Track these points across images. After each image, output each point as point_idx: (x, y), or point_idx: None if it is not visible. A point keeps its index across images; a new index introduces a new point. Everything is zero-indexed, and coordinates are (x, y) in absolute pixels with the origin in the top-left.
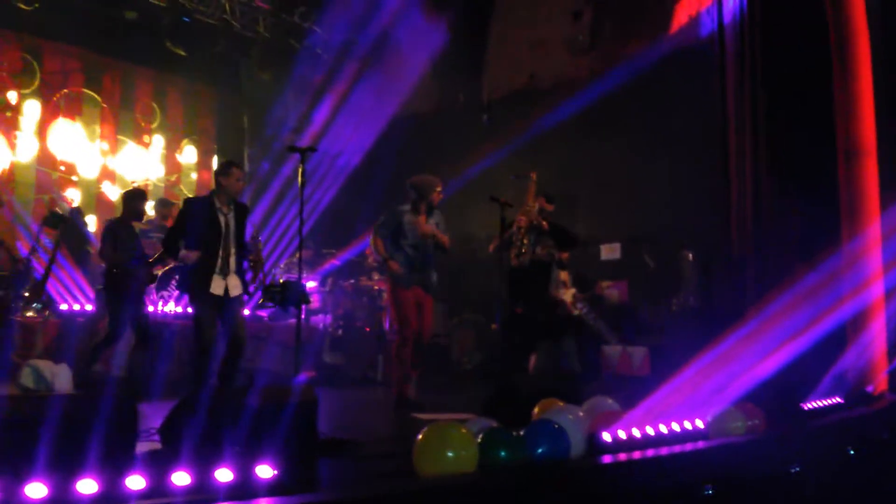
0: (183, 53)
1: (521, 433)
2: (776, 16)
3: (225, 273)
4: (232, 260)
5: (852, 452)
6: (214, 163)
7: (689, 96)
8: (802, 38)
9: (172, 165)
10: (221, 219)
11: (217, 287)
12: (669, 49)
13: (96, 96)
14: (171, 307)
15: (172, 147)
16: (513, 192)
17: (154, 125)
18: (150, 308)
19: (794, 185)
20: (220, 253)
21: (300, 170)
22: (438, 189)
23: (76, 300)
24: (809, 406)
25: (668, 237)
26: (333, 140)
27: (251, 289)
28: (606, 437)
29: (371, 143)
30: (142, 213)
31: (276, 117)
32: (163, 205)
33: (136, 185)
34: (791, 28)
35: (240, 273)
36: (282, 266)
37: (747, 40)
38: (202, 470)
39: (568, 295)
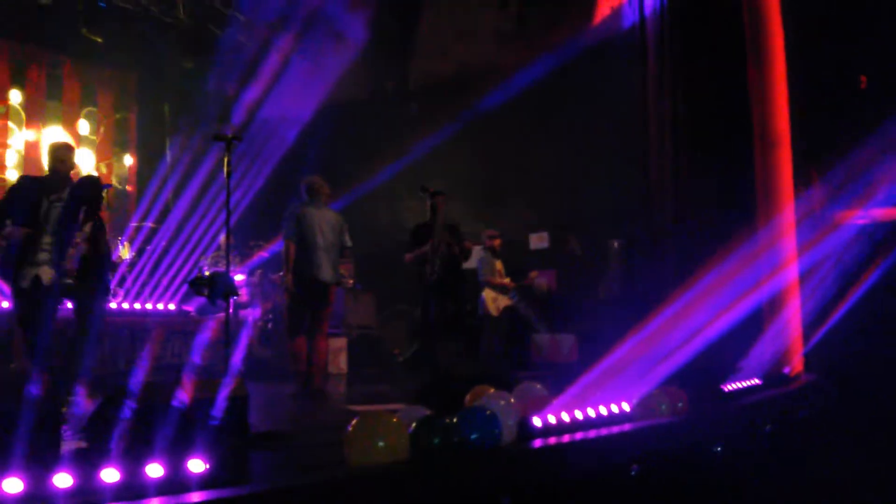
0: (100, 40)
1: (454, 420)
2: (694, 9)
3: (33, 264)
4: (45, 251)
5: (769, 430)
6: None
7: (614, 86)
8: (720, 30)
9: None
10: (44, 204)
11: (23, 280)
12: (594, 40)
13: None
14: None
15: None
16: (441, 180)
17: (81, 113)
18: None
19: (712, 172)
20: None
21: (226, 159)
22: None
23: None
24: (730, 388)
25: (595, 225)
26: (260, 128)
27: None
28: (537, 421)
29: (299, 132)
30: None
31: (199, 105)
32: None
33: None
34: (709, 21)
35: (59, 264)
36: (208, 259)
37: (667, 32)
38: (132, 466)
39: (507, 283)
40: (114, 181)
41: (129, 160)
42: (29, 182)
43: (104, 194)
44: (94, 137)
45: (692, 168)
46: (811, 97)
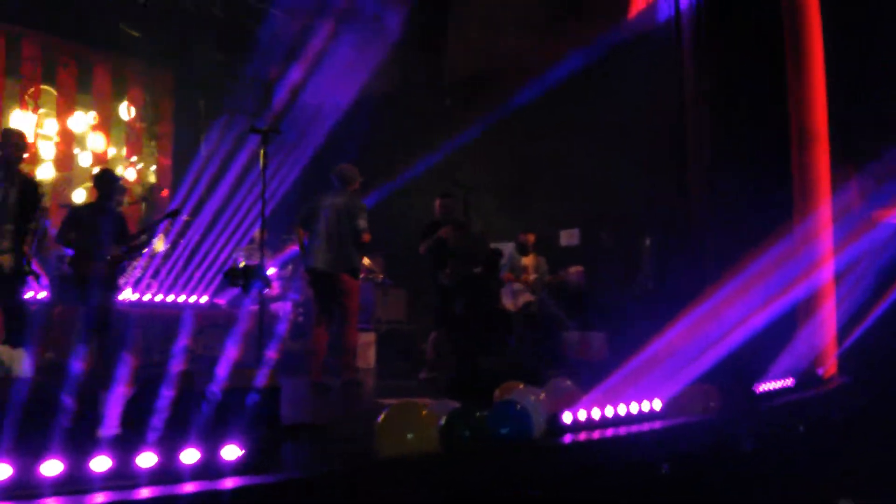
0: (137, 34)
1: (485, 414)
2: (732, 3)
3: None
4: (6, 237)
5: (802, 430)
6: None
7: (648, 82)
8: (757, 25)
9: (131, 147)
10: None
11: None
12: (628, 34)
13: (51, 89)
14: (129, 294)
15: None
16: (473, 175)
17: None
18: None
19: (748, 168)
20: None
21: (262, 151)
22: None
23: (29, 287)
24: (762, 388)
25: (627, 222)
26: (296, 118)
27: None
28: (567, 417)
29: (333, 126)
30: (108, 193)
31: (234, 99)
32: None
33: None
34: (746, 15)
35: (17, 250)
36: (242, 250)
37: (703, 27)
38: (168, 451)
39: (529, 280)
40: (149, 176)
41: (161, 154)
42: None
43: (120, 188)
44: (128, 119)
45: (728, 164)
46: (849, 93)
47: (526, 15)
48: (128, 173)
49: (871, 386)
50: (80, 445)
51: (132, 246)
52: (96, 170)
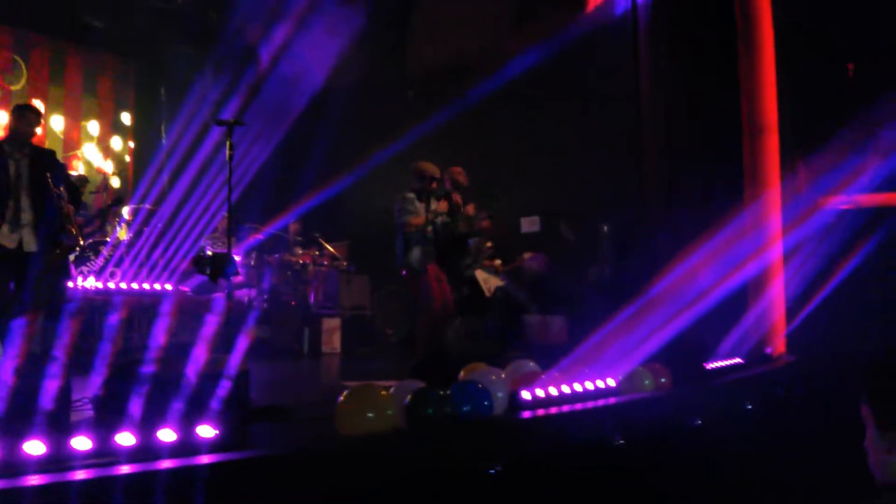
0: (99, 25)
1: (447, 392)
2: None
3: (16, 225)
4: (26, 211)
5: (749, 407)
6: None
7: (606, 74)
8: (711, 20)
9: (75, 138)
10: (11, 165)
11: (7, 239)
12: (587, 28)
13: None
14: (92, 282)
15: (76, 118)
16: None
17: (59, 95)
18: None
19: (702, 157)
20: (10, 203)
21: (228, 143)
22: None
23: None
24: (712, 366)
25: (586, 210)
26: (256, 113)
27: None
28: (526, 395)
29: (295, 118)
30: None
31: (197, 90)
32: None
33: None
34: (700, 10)
35: (40, 226)
36: (208, 238)
37: (659, 20)
38: (145, 431)
39: (496, 264)
40: (111, 164)
41: (117, 143)
42: None
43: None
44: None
45: (682, 153)
46: (800, 85)
47: (487, 9)
48: (82, 164)
49: (817, 364)
50: (58, 427)
51: (82, 234)
52: None
